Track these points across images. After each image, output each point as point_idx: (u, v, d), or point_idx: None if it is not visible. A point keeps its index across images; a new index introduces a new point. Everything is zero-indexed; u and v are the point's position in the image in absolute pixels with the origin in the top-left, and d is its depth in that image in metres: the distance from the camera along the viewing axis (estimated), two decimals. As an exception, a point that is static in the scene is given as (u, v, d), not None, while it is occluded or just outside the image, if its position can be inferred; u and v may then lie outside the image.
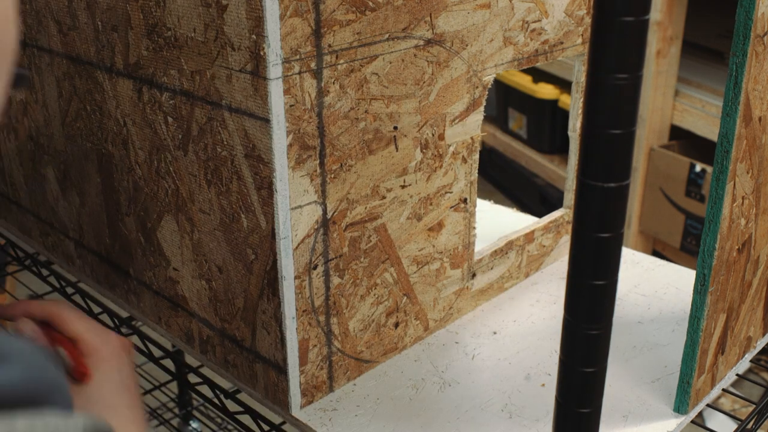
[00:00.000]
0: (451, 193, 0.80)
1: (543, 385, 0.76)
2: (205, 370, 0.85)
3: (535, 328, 0.86)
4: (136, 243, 0.84)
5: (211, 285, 0.76)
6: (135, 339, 0.89)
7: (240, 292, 0.72)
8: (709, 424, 1.77)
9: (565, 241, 1.00)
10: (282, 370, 0.71)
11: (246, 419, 0.77)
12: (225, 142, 0.67)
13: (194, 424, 1.72)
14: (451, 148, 0.78)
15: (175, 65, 0.69)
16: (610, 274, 0.47)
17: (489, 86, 0.79)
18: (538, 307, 0.90)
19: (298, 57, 0.61)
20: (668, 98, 2.20)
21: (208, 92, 0.67)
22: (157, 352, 0.87)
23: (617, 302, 0.91)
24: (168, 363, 1.51)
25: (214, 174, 0.70)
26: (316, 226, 0.68)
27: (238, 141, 0.66)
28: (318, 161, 0.66)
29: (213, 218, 0.72)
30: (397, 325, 0.79)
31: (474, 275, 0.87)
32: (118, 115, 0.79)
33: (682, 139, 2.27)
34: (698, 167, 2.14)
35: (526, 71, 2.86)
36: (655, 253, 2.37)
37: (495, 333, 0.85)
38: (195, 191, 0.73)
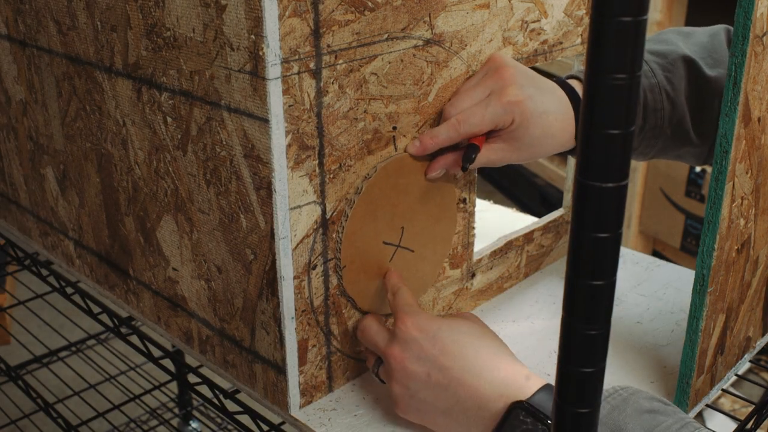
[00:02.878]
0: (450, 193, 0.80)
1: (542, 385, 0.76)
2: (204, 370, 0.85)
3: (534, 328, 0.86)
4: (136, 243, 0.84)
5: (210, 285, 0.76)
6: (135, 339, 0.89)
7: (239, 292, 0.72)
8: (709, 425, 1.77)
9: (565, 242, 1.00)
10: (281, 370, 0.71)
11: (245, 419, 0.77)
12: (224, 142, 0.67)
13: (194, 424, 1.72)
14: (451, 148, 0.78)
15: (174, 65, 0.69)
16: (609, 274, 0.47)
17: (488, 86, 0.79)
18: (537, 307, 0.90)
19: (297, 57, 0.61)
20: None
21: (207, 92, 0.67)
22: (156, 352, 0.87)
23: (617, 302, 0.91)
24: (168, 363, 1.52)
25: (213, 174, 0.70)
26: (315, 226, 0.68)
27: (237, 141, 0.66)
28: (317, 161, 0.66)
29: (212, 218, 0.72)
30: (396, 325, 0.79)
31: (473, 275, 0.87)
32: (117, 115, 0.79)
33: None
34: (698, 167, 2.13)
35: (527, 71, 2.86)
36: (655, 253, 2.37)
37: (494, 333, 0.85)
38: (194, 191, 0.73)
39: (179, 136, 0.72)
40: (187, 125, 0.70)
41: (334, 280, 0.71)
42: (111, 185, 0.85)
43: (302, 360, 0.71)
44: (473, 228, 0.84)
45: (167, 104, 0.72)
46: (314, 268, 0.69)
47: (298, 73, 0.62)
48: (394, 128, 0.71)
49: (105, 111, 0.81)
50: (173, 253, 0.79)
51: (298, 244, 0.67)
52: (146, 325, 0.89)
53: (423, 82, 0.72)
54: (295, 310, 0.69)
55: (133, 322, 0.92)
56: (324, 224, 0.69)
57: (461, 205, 0.82)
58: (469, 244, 0.85)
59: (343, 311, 0.73)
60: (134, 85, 0.75)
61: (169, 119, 0.72)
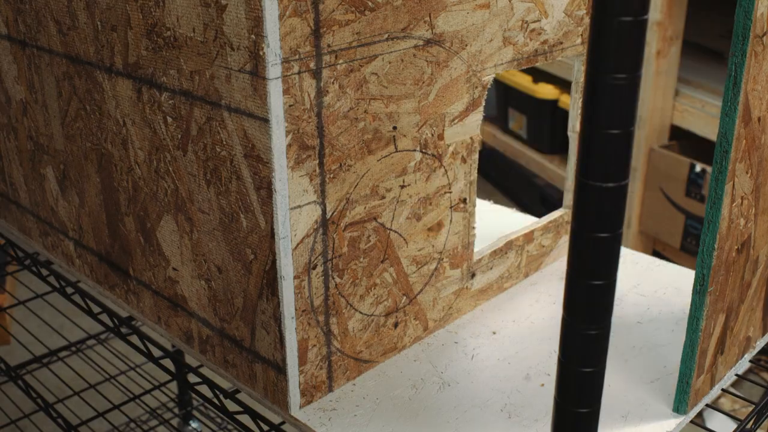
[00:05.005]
0: (450, 193, 0.80)
1: (542, 385, 0.76)
2: (204, 370, 0.85)
3: (534, 328, 0.86)
4: (136, 243, 0.84)
5: (211, 285, 0.76)
6: (135, 339, 0.89)
7: (239, 292, 0.72)
8: (709, 424, 1.76)
9: (565, 241, 1.00)
10: (281, 370, 0.71)
11: (245, 419, 0.77)
12: (224, 142, 0.67)
13: (194, 424, 1.72)
14: (451, 148, 0.78)
15: (175, 65, 0.69)
16: (609, 274, 0.47)
17: (488, 86, 0.79)
18: (538, 307, 0.90)
19: (297, 57, 0.61)
20: (668, 98, 2.20)
21: (208, 92, 0.67)
22: (156, 352, 0.87)
23: (617, 302, 0.91)
24: (168, 363, 1.52)
25: (214, 174, 0.70)
26: (315, 226, 0.68)
27: (237, 141, 0.66)
28: (317, 161, 0.66)
29: (212, 218, 0.72)
30: (396, 325, 0.80)
31: (473, 275, 0.87)
32: (117, 115, 0.79)
33: (682, 139, 2.27)
34: (698, 167, 2.14)
35: (527, 71, 2.86)
36: (655, 253, 2.37)
37: (494, 333, 0.85)
38: (194, 191, 0.73)
39: (179, 136, 0.72)
40: (188, 125, 0.70)
41: (334, 280, 0.71)
42: (111, 185, 0.85)
43: (302, 360, 0.71)
44: (473, 228, 0.84)
45: (167, 104, 0.72)
46: (314, 268, 0.69)
47: (299, 72, 0.62)
48: (395, 128, 0.71)
49: (105, 111, 0.81)
50: (173, 253, 0.79)
51: (298, 244, 0.67)
52: (146, 325, 0.89)
53: (423, 82, 0.72)
54: (295, 309, 0.69)
55: (133, 322, 0.92)
56: (324, 224, 0.69)
57: (461, 205, 0.82)
58: (469, 244, 0.85)
59: (344, 311, 0.73)
60: (134, 85, 0.75)
61: (169, 119, 0.72)
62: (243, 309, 0.73)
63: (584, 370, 0.50)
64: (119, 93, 0.78)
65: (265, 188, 0.65)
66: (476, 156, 0.81)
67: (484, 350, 0.82)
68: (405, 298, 0.79)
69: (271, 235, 0.66)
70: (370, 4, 0.65)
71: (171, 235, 0.78)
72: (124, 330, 0.92)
